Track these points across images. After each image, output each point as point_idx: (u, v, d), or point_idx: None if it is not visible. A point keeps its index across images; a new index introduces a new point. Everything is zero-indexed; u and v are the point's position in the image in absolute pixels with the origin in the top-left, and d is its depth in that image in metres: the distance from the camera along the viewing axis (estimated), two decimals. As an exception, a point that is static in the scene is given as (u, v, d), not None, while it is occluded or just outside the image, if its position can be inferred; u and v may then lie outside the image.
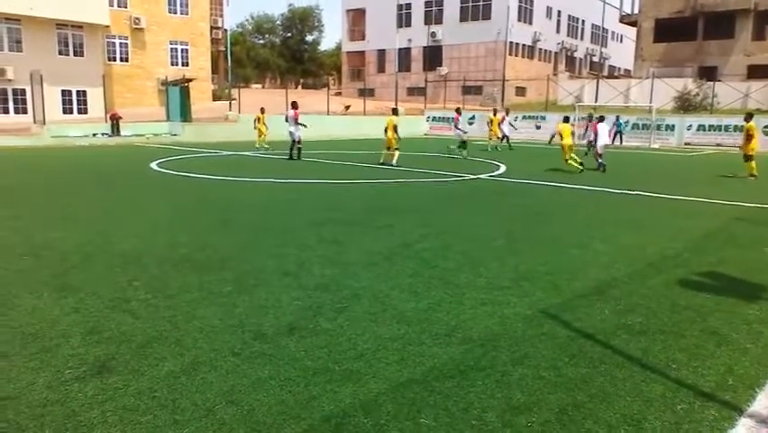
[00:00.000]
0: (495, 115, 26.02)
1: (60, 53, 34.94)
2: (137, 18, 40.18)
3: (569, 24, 61.30)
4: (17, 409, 3.12)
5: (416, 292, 5.18)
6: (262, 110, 23.95)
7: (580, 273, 5.92)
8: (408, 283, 5.44)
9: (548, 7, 56.51)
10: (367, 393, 3.35)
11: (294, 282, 5.42)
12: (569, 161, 16.07)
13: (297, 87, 69.31)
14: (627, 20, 53.78)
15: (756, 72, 42.21)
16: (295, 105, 18.62)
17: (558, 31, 59.41)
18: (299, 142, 18.29)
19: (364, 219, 8.86)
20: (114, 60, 40.08)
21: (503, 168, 17.01)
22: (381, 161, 17.31)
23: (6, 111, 33.04)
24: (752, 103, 35.93)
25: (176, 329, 4.25)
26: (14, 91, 33.08)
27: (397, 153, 17.17)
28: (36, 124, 27.76)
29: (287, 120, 18.59)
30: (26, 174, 14.58)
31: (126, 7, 40.00)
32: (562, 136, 16.37)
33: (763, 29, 51.72)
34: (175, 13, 43.00)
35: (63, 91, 34.01)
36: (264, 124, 23.44)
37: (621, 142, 29.73)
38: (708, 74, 42.85)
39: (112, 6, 37.71)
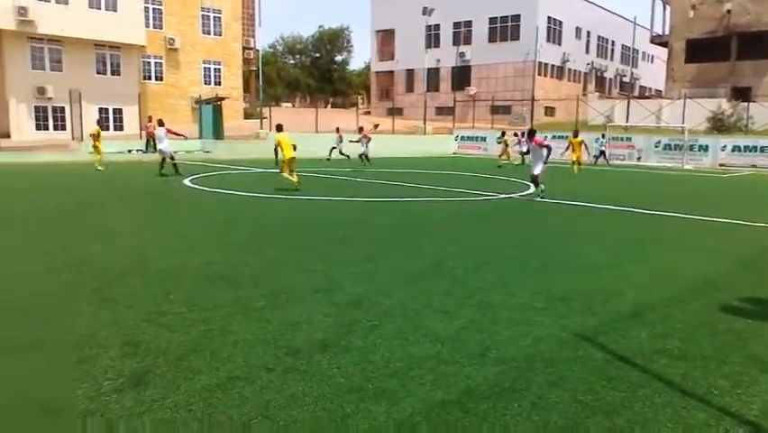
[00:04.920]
0: (576, 136, 22.52)
1: (98, 72, 35.99)
2: (172, 39, 41.22)
3: (598, 45, 61.05)
4: (60, 419, 3.18)
5: (447, 312, 5.15)
6: (99, 123, 22.19)
7: (615, 295, 5.82)
8: (440, 302, 5.41)
9: (577, 28, 56.41)
10: (401, 413, 3.33)
11: (325, 299, 5.44)
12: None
13: (326, 107, 70.00)
14: (658, 40, 53.31)
15: (792, 93, 41.35)
16: (162, 123, 19.01)
17: (587, 51, 59.18)
18: (172, 157, 18.34)
19: (392, 237, 8.86)
20: (150, 79, 41.10)
21: (532, 188, 16.86)
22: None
23: (47, 128, 34.08)
24: (788, 124, 35.18)
25: (211, 343, 4.29)
26: (54, 109, 34.11)
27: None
28: (74, 141, 28.54)
29: (149, 139, 18.71)
30: (66, 191, 14.96)
31: (162, 28, 41.08)
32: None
33: (799, 49, 50.67)
34: (209, 33, 44.02)
35: (100, 109, 34.88)
36: (96, 139, 20.73)
37: (602, 160, 29.54)
38: (742, 95, 42.13)
39: (148, 27, 38.74)
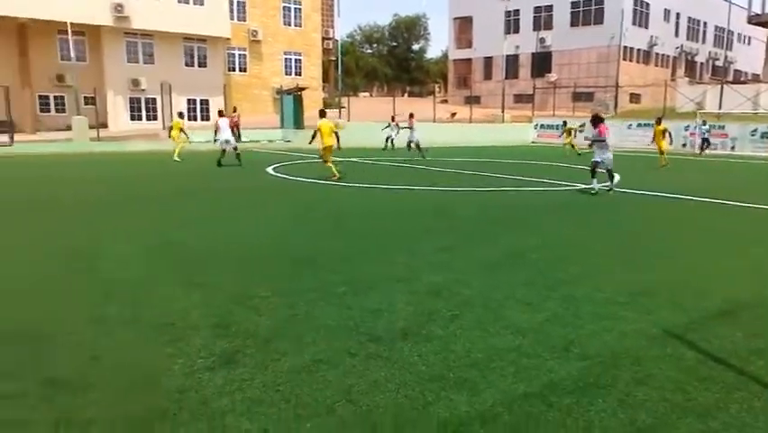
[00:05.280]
0: (659, 123, 20.42)
1: (186, 65, 37.63)
2: (255, 30, 42.42)
3: (689, 27, 57.81)
4: (158, 392, 3.40)
5: (530, 303, 5.08)
6: (181, 115, 22.39)
7: (705, 292, 5.55)
8: (522, 294, 5.34)
9: (666, 10, 53.63)
10: (482, 403, 3.33)
11: (405, 287, 5.48)
12: None
13: (403, 95, 70.10)
14: (756, 20, 49.66)
15: None
16: (222, 114, 19.15)
17: (677, 34, 56.19)
18: (236, 148, 18.35)
19: (470, 227, 8.80)
20: (234, 71, 42.54)
21: (617, 177, 16.25)
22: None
23: (140, 118, 36.07)
24: None
25: (296, 327, 4.44)
26: (147, 100, 36.01)
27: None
28: (164, 131, 30.00)
29: (215, 130, 18.50)
30: (157, 180, 15.79)
31: (245, 21, 42.37)
32: None
33: None
34: (289, 25, 45.02)
35: (189, 100, 36.50)
36: (183, 131, 20.89)
37: (703, 150, 28.26)
38: None
39: (232, 20, 40.07)
